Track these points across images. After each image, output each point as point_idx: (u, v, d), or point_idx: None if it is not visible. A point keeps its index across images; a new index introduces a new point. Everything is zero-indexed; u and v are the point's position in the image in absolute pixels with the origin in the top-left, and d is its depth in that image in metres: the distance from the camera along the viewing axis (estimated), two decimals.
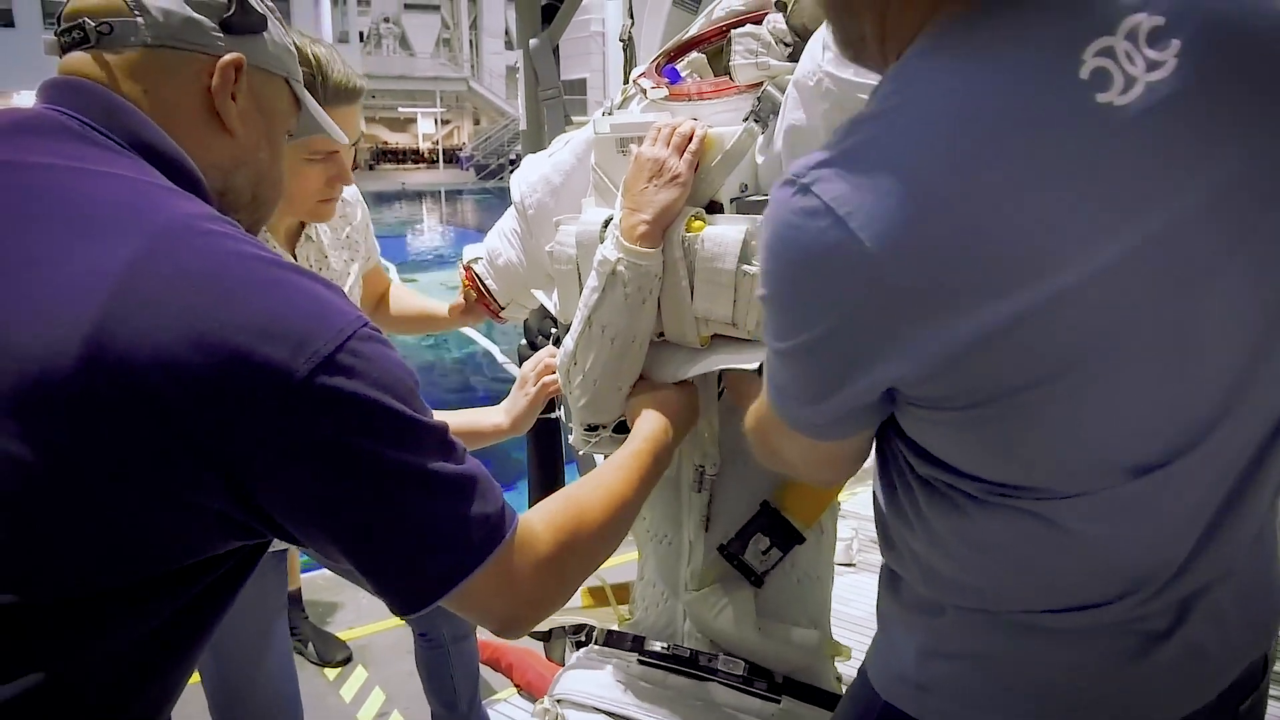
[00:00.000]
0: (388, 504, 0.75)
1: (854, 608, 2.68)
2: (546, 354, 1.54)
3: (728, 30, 1.29)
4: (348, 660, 2.88)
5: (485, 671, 2.48)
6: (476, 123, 34.77)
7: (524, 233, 1.48)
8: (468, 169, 30.81)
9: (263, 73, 0.92)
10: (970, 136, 0.67)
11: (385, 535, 0.76)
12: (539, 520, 0.89)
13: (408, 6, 32.11)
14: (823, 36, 1.09)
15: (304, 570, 3.14)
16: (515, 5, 3.13)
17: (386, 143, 34.12)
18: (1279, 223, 0.71)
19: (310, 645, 2.88)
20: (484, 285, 1.57)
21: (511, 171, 1.65)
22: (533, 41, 2.98)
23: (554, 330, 2.44)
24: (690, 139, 1.18)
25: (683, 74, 1.32)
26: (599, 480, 1.04)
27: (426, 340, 9.64)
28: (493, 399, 1.61)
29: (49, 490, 0.68)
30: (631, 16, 2.43)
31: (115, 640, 0.73)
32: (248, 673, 1.68)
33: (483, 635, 2.17)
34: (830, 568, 1.41)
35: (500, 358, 8.47)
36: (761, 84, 1.20)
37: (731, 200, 1.21)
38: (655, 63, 1.35)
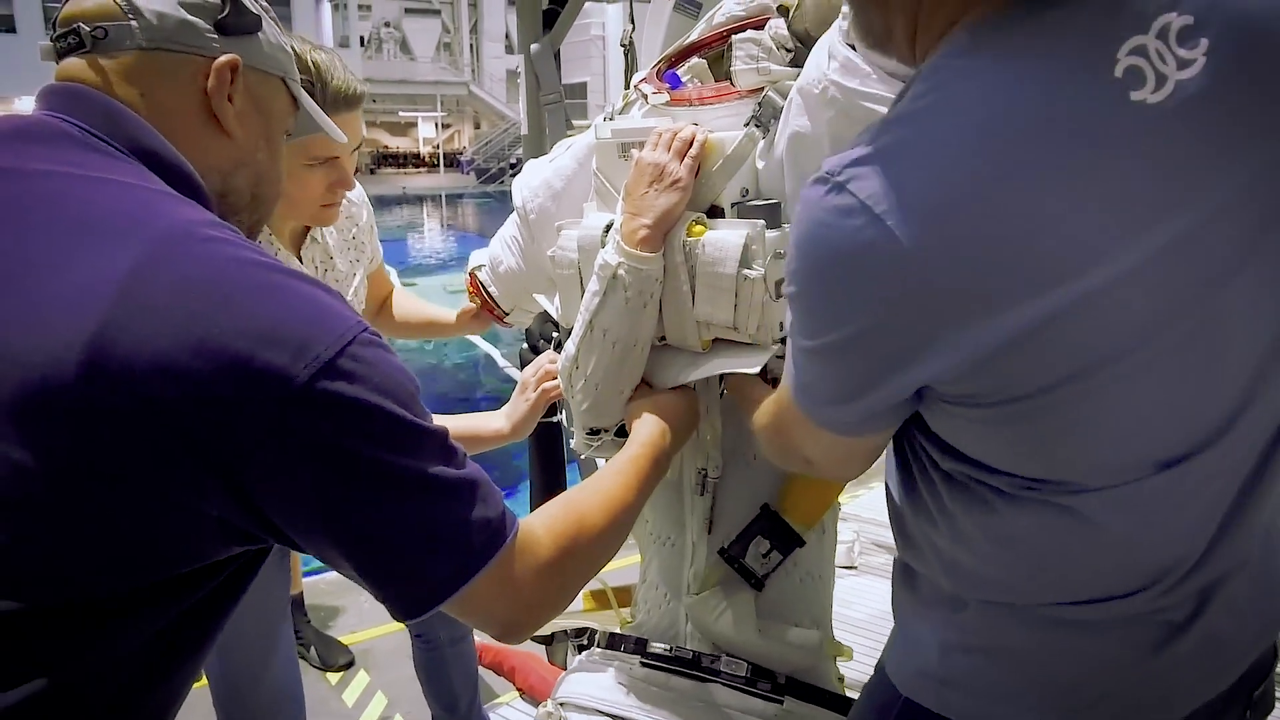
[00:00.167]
0: (388, 509, 0.75)
1: (855, 610, 2.68)
2: (547, 359, 1.55)
3: (729, 35, 1.29)
4: (350, 664, 2.88)
5: (488, 675, 2.48)
6: (477, 127, 34.80)
7: (525, 238, 1.49)
8: (468, 173, 30.83)
9: (259, 73, 0.92)
10: (1007, 135, 0.67)
11: (386, 540, 0.76)
12: (539, 525, 0.89)
13: (408, 11, 32.16)
14: (828, 44, 1.10)
15: (306, 574, 3.14)
16: (516, 10, 3.13)
17: (387, 147, 34.14)
18: None
19: (312, 649, 2.88)
20: (488, 292, 1.58)
21: (512, 175, 1.65)
22: (534, 46, 2.98)
23: (555, 334, 2.44)
24: (691, 144, 1.18)
25: (684, 79, 1.32)
26: (599, 485, 1.04)
27: (427, 344, 9.64)
28: (494, 403, 1.62)
29: (50, 496, 0.69)
30: (633, 21, 2.44)
31: (119, 646, 0.74)
32: (253, 672, 1.69)
33: (485, 639, 2.17)
34: (832, 567, 1.42)
35: (501, 361, 8.47)
36: (762, 89, 1.21)
37: (732, 205, 1.21)
38: (656, 68, 1.36)
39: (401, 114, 33.71)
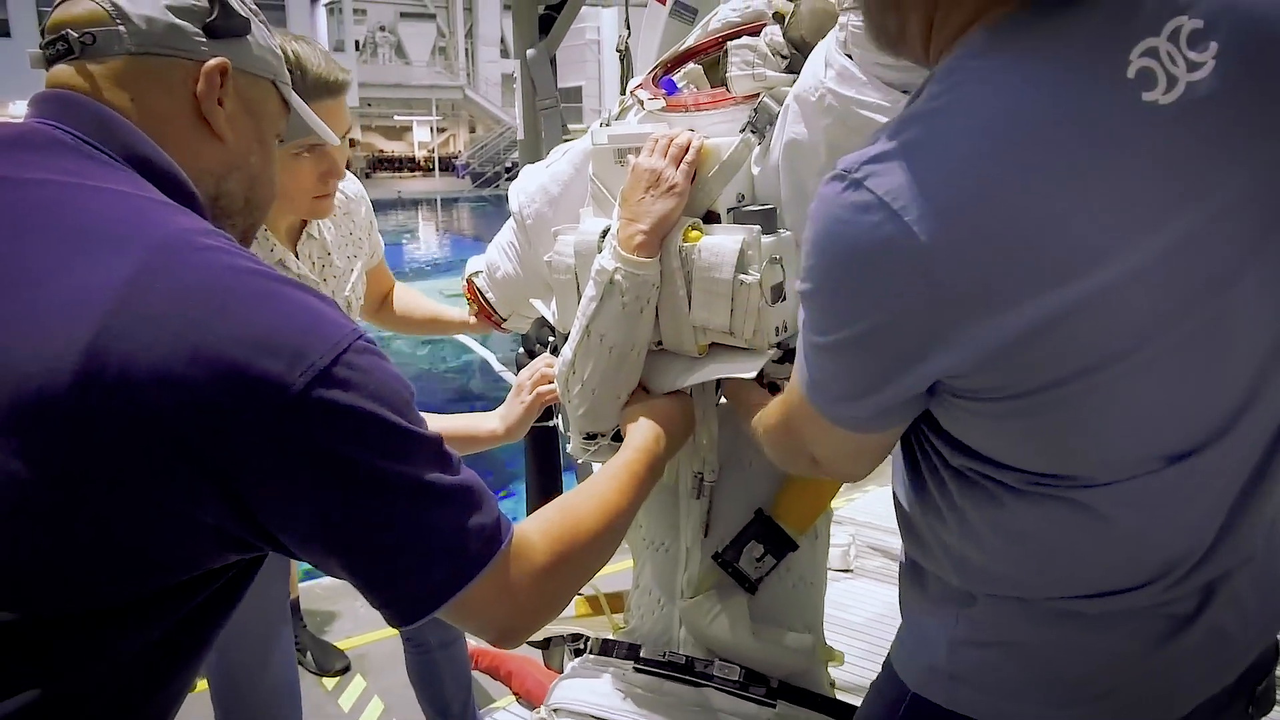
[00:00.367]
0: (384, 515, 0.75)
1: (851, 613, 2.69)
2: (543, 362, 1.55)
3: (724, 42, 1.30)
4: (346, 669, 2.88)
5: (485, 680, 2.48)
6: (472, 131, 34.79)
7: (522, 243, 1.49)
8: (463, 177, 30.80)
9: (249, 76, 0.92)
10: (1024, 132, 0.69)
11: (381, 546, 0.76)
12: (534, 530, 0.89)
13: (403, 15, 32.13)
14: (825, 52, 1.10)
15: (302, 580, 3.14)
16: (512, 15, 3.13)
17: (382, 151, 34.10)
18: None
19: (309, 654, 2.88)
20: (485, 298, 1.59)
21: (507, 179, 1.66)
22: (530, 52, 2.98)
23: (551, 339, 2.44)
24: (687, 149, 1.19)
25: (679, 85, 1.33)
26: (593, 490, 1.05)
27: (422, 348, 9.63)
28: (488, 408, 1.62)
29: (47, 506, 0.69)
30: (628, 27, 2.44)
31: (115, 655, 0.74)
32: (251, 670, 1.69)
33: (481, 643, 2.17)
34: (824, 573, 1.43)
35: (497, 366, 8.46)
36: (758, 95, 1.21)
37: (728, 210, 1.22)
38: (652, 74, 1.36)
39: (396, 118, 33.68)
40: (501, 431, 1.54)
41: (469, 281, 1.61)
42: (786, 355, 1.23)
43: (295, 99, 1.00)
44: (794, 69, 1.19)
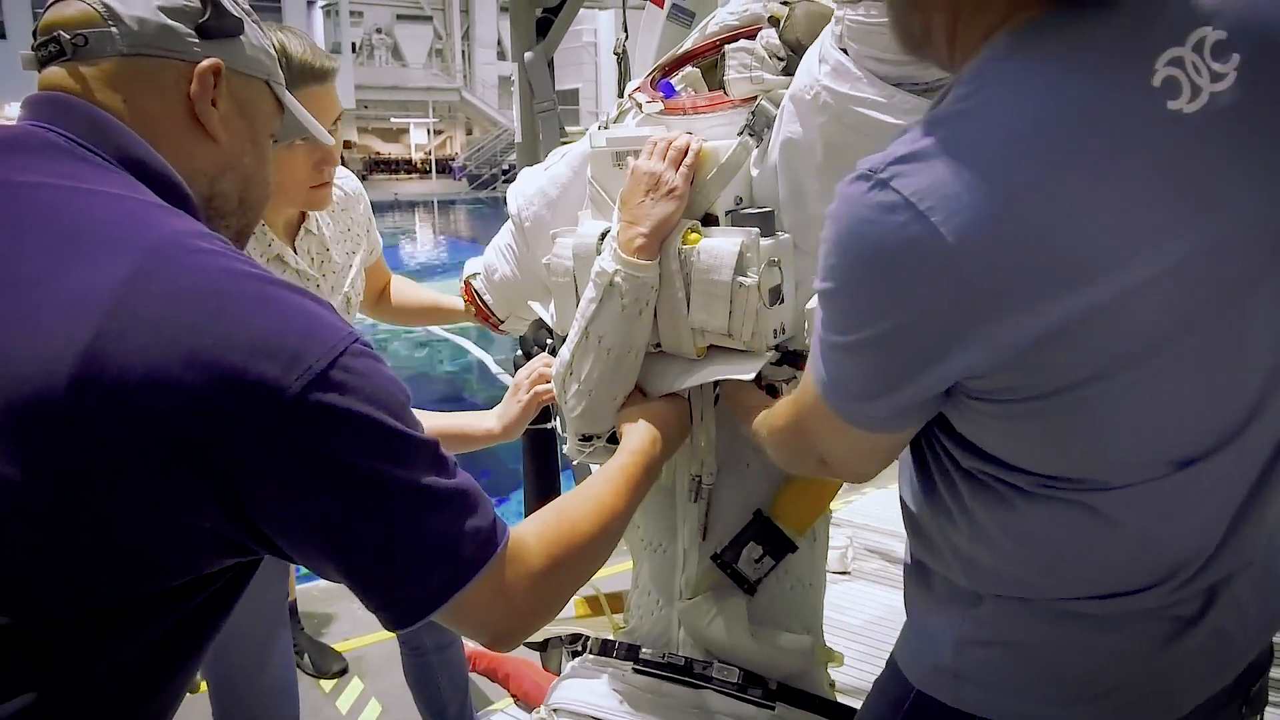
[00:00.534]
0: (380, 519, 0.75)
1: (849, 615, 2.69)
2: (540, 362, 1.56)
3: (721, 45, 1.31)
4: (343, 672, 2.87)
5: (482, 682, 2.48)
6: (469, 133, 34.76)
7: (520, 246, 1.49)
8: (460, 179, 30.77)
9: (242, 76, 0.92)
10: (1050, 136, 0.69)
11: (378, 550, 0.76)
12: (530, 533, 0.89)
13: (400, 17, 32.09)
14: (820, 48, 1.11)
15: (299, 582, 3.13)
16: (510, 18, 3.14)
17: (379, 153, 34.06)
18: None
19: (306, 657, 2.87)
20: (483, 300, 1.59)
21: (504, 181, 1.66)
22: (528, 55, 2.99)
23: (549, 341, 2.45)
24: (686, 152, 1.19)
25: (677, 88, 1.33)
26: (589, 493, 1.05)
27: (419, 350, 9.62)
28: (485, 409, 1.62)
29: (44, 509, 0.69)
30: (626, 30, 2.45)
31: (114, 655, 0.74)
32: (249, 670, 1.69)
33: (479, 645, 2.17)
34: (823, 574, 1.43)
35: (494, 368, 8.46)
36: (755, 98, 1.22)
37: (727, 213, 1.22)
38: (650, 77, 1.37)
39: (393, 120, 33.65)
40: (498, 430, 1.54)
41: (467, 283, 1.61)
42: (784, 358, 1.23)
43: (289, 99, 1.00)
44: (790, 71, 1.20)
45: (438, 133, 34.80)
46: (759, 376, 1.21)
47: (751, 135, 1.20)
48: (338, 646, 2.99)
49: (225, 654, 1.67)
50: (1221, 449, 0.78)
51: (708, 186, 1.22)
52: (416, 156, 34.66)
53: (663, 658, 1.35)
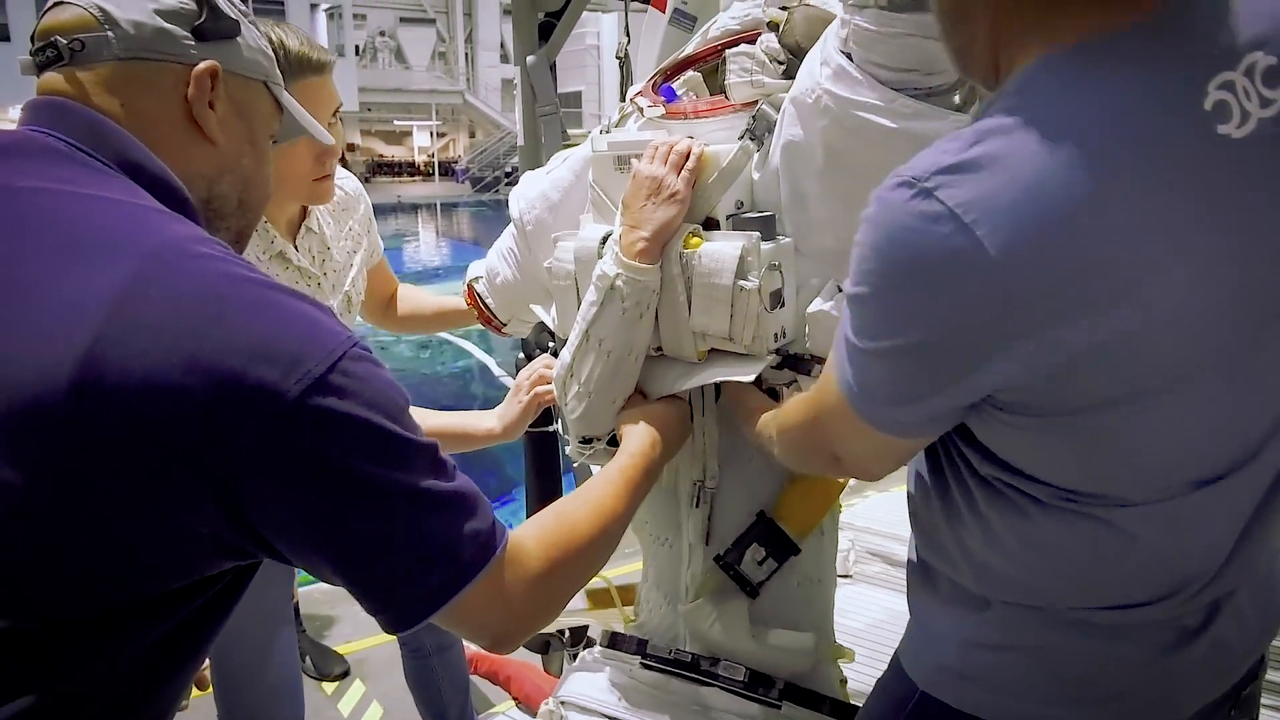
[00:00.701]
0: (379, 522, 0.76)
1: (851, 619, 2.68)
2: (541, 363, 1.56)
3: (722, 49, 1.31)
4: (345, 674, 2.88)
5: (484, 684, 2.48)
6: (472, 135, 34.82)
7: (522, 249, 1.50)
8: (463, 182, 30.81)
9: (239, 78, 0.91)
10: (1099, 153, 0.69)
11: (377, 553, 0.77)
12: (529, 536, 0.89)
13: (403, 20, 32.17)
14: (820, 53, 1.11)
15: (301, 585, 3.14)
16: (512, 22, 3.14)
17: (382, 155, 34.13)
18: None
19: (308, 659, 2.87)
20: (485, 303, 1.60)
21: (507, 184, 1.66)
22: (530, 58, 3.00)
23: (551, 344, 2.45)
24: (687, 157, 1.20)
25: (679, 92, 1.34)
26: (588, 495, 1.05)
27: (422, 352, 9.63)
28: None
29: (43, 512, 0.69)
30: (628, 34, 2.45)
31: (114, 657, 0.74)
32: (251, 668, 1.69)
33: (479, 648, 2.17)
34: (832, 571, 1.43)
35: (496, 370, 8.46)
36: (756, 102, 1.22)
37: (728, 217, 1.23)
38: (652, 81, 1.37)
39: (396, 123, 33.73)
40: (498, 430, 1.55)
41: (469, 287, 1.62)
42: (785, 361, 1.24)
43: (288, 99, 1.00)
44: (790, 75, 1.20)
45: (440, 135, 34.87)
46: (759, 380, 1.21)
47: (752, 139, 1.21)
48: (339, 649, 2.99)
49: (228, 653, 1.67)
50: (1240, 468, 0.79)
51: (709, 190, 1.22)
52: (419, 159, 34.72)
53: (670, 654, 1.35)
